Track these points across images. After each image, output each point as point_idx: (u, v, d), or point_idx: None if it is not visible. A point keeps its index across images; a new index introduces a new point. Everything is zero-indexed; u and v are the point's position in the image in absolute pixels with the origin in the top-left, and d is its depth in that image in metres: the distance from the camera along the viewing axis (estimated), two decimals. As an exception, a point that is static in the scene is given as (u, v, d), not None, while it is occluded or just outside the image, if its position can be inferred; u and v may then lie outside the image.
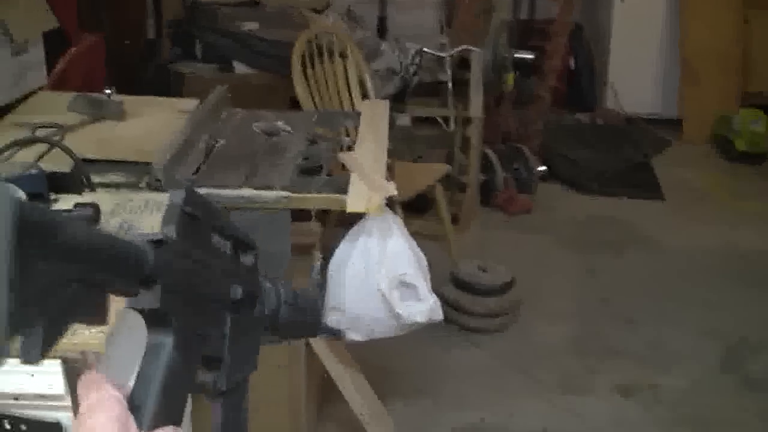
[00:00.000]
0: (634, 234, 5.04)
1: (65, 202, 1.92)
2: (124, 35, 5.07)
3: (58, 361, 1.49)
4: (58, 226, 0.58)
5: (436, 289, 3.59)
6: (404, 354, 3.63)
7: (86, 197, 2.02)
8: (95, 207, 1.74)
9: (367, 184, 2.39)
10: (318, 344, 2.70)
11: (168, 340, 0.75)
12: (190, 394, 0.80)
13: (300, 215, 2.51)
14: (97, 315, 0.65)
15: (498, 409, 3.46)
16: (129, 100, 2.97)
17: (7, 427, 1.49)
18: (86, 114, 2.83)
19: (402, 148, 4.83)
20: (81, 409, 0.69)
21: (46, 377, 1.47)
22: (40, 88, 3.40)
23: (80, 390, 0.72)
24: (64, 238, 0.59)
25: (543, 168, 5.41)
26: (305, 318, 0.99)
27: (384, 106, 3.19)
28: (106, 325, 0.69)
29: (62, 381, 1.49)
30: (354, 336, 2.57)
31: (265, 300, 0.91)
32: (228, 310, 0.83)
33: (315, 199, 2.38)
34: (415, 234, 3.64)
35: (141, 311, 0.72)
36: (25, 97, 3.14)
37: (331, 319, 2.52)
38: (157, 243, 0.72)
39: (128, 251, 0.68)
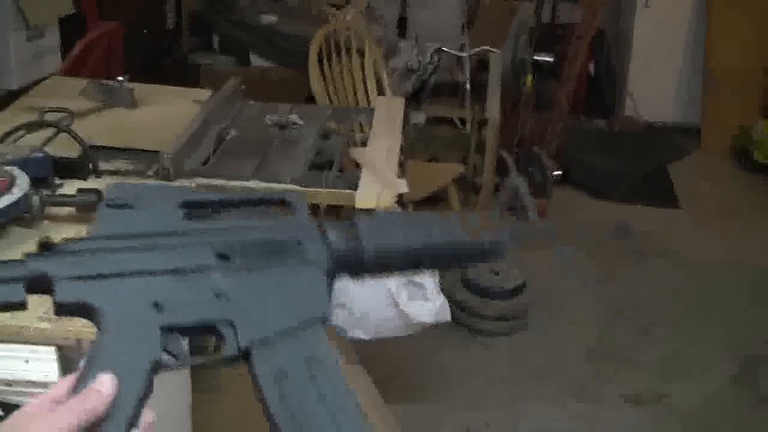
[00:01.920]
0: (651, 243, 4.97)
1: (70, 187, 1.89)
2: (143, 25, 5.04)
3: (53, 348, 1.46)
4: None
5: (446, 291, 3.56)
6: (412, 355, 3.59)
7: (91, 183, 1.99)
8: (98, 192, 1.71)
9: (378, 181, 2.36)
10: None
11: (106, 323, 0.77)
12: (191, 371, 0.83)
13: (309, 211, 2.47)
14: None
15: (506, 414, 3.41)
16: (142, 89, 2.94)
17: (0, 413, 1.46)
18: (98, 101, 2.81)
19: (417, 148, 4.79)
20: None
21: (40, 364, 1.45)
22: (55, 74, 3.38)
23: None
24: None
25: (558, 172, 5.35)
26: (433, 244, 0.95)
27: (399, 102, 3.15)
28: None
29: (56, 368, 1.46)
30: (360, 334, 2.53)
31: (312, 246, 0.89)
32: (214, 268, 0.83)
33: (325, 194, 2.35)
34: (427, 234, 3.61)
35: (63, 310, 0.80)
36: (40, 82, 3.13)
37: (337, 317, 2.48)
38: (44, 249, 0.80)
39: None
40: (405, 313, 2.45)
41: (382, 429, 2.91)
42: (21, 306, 0.77)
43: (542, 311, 4.06)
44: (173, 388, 2.16)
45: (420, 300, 2.48)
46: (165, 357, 0.80)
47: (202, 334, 0.83)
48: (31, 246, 0.80)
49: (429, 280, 2.48)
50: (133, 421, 0.74)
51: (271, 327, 0.83)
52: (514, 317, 3.94)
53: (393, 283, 2.42)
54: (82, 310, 0.79)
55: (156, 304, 0.80)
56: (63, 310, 0.79)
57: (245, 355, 0.82)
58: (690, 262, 4.74)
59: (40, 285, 0.78)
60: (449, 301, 2.61)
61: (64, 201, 1.78)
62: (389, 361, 3.50)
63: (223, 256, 0.84)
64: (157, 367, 0.78)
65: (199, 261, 0.83)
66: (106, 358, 0.76)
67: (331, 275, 0.90)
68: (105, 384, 0.74)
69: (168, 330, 0.80)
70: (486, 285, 3.92)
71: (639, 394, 3.58)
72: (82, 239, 0.82)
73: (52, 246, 0.80)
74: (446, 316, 2.56)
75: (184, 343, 0.82)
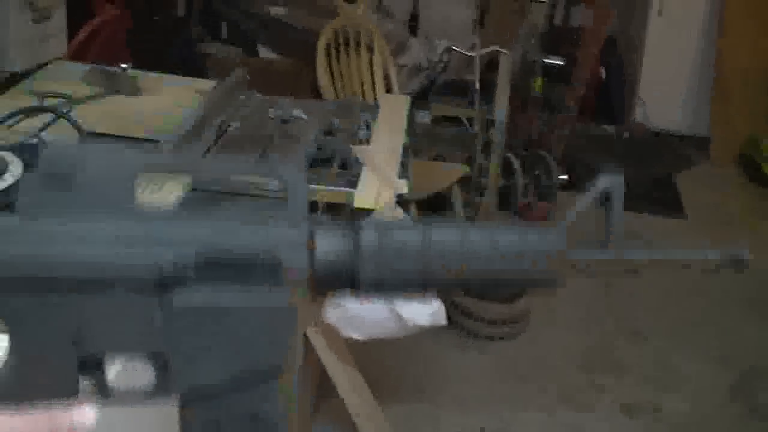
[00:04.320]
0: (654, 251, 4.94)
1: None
2: (153, 11, 5.02)
3: None
4: None
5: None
6: (406, 355, 3.57)
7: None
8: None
9: (379, 180, 2.33)
10: (315, 338, 2.64)
11: (10, 350, 0.64)
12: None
13: (309, 207, 2.44)
14: None
15: (497, 418, 3.39)
16: (146, 77, 2.92)
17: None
18: (100, 87, 2.78)
19: (423, 146, 4.76)
20: None
21: None
22: (60, 58, 3.35)
23: None
24: None
25: (564, 177, 5.32)
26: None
27: (404, 100, 3.13)
28: None
29: None
30: (353, 334, 2.50)
31: (293, 265, 0.68)
32: (158, 294, 0.66)
33: (323, 192, 2.32)
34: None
35: None
36: (45, 65, 3.10)
37: (330, 316, 2.45)
38: None
39: None
40: (400, 315, 2.42)
41: (372, 430, 2.89)
42: None
43: (540, 316, 4.03)
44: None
45: (416, 302, 2.44)
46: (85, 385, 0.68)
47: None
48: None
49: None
50: None
51: (212, 374, 0.68)
52: (512, 321, 3.91)
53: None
54: None
55: (76, 332, 0.65)
56: None
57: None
58: (692, 272, 4.68)
59: None
60: (446, 302, 2.58)
61: (57, 189, 1.76)
62: (382, 361, 3.48)
63: (171, 278, 0.66)
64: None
65: (140, 276, 0.65)
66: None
67: (311, 296, 0.71)
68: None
69: (87, 359, 0.67)
70: (485, 288, 3.87)
71: (632, 404, 3.56)
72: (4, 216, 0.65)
73: None
74: (442, 319, 2.52)
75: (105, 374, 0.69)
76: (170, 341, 0.67)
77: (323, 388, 3.11)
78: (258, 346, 0.68)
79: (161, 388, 0.69)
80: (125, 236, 0.65)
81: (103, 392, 0.69)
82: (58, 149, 0.64)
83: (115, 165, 0.65)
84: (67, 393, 0.66)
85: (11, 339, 0.65)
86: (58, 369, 0.66)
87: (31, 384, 0.66)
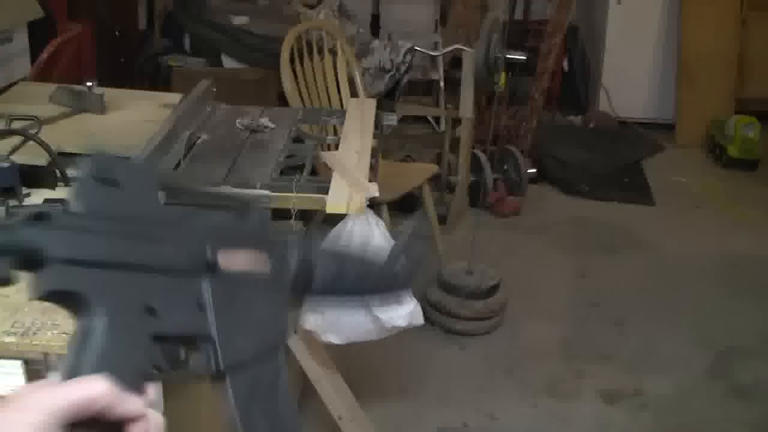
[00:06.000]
0: (625, 238, 5.00)
1: (37, 196, 1.88)
2: (115, 26, 5.02)
3: (20, 362, 1.45)
4: None
5: (421, 291, 3.55)
6: (387, 354, 3.59)
7: (60, 192, 1.98)
8: (65, 203, 1.69)
9: (349, 185, 2.35)
10: (294, 343, 2.66)
11: (98, 324, 0.68)
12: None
13: (282, 212, 2.47)
14: None
15: (481, 412, 3.42)
16: (112, 93, 2.93)
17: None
18: (67, 106, 2.79)
19: (392, 147, 4.79)
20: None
21: (6, 378, 1.43)
22: (24, 79, 3.36)
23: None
24: None
25: (533, 170, 5.37)
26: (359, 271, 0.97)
27: (371, 104, 3.15)
28: None
29: (23, 382, 1.45)
30: (332, 339, 2.53)
31: (286, 257, 0.86)
32: (203, 276, 0.78)
33: (295, 199, 2.34)
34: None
35: (47, 297, 0.66)
36: (9, 87, 3.11)
37: (309, 321, 2.48)
38: (39, 218, 0.66)
39: None
40: (377, 317, 2.45)
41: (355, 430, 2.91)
42: (3, 282, 0.65)
43: (517, 307, 4.07)
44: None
45: (392, 304, 2.47)
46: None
47: (178, 345, 0.78)
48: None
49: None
50: None
51: (245, 350, 0.81)
52: (489, 317, 3.94)
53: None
54: (67, 299, 0.69)
55: (150, 309, 0.73)
56: (45, 295, 0.67)
57: (219, 374, 0.80)
58: (663, 256, 4.77)
59: (28, 261, 0.65)
60: (424, 302, 2.61)
61: (31, 212, 1.77)
62: (363, 362, 3.50)
63: (212, 263, 0.79)
64: (146, 379, 0.72)
65: (192, 262, 0.78)
66: (96, 364, 0.69)
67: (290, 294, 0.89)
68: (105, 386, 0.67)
69: (155, 339, 0.74)
70: (461, 284, 3.92)
71: (613, 389, 3.59)
72: (77, 214, 0.70)
73: (49, 217, 0.67)
74: (419, 319, 2.55)
75: (168, 354, 0.76)
76: (216, 316, 0.79)
77: (306, 391, 3.13)
78: (269, 318, 0.84)
79: (211, 366, 0.80)
80: (175, 227, 0.78)
81: (175, 366, 0.78)
82: (104, 159, 0.73)
83: (146, 176, 0.77)
84: (146, 365, 0.74)
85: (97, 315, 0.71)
86: (135, 341, 0.73)
87: (115, 356, 0.71)
